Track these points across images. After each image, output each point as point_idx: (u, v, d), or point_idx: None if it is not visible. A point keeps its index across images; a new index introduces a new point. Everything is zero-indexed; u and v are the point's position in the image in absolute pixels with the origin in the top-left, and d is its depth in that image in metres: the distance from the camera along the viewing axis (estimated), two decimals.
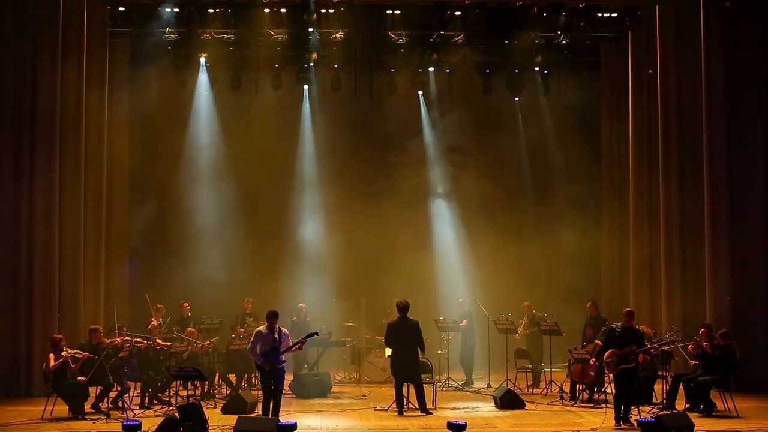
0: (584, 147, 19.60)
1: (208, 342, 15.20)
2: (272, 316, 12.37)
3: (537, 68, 18.81)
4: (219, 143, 19.52)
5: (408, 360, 13.50)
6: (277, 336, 12.23)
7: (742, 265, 15.39)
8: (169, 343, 14.34)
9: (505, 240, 20.03)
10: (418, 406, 13.34)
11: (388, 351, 14.65)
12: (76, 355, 12.96)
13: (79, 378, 12.94)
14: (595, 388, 14.22)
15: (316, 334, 13.53)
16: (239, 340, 15.07)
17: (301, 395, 14.75)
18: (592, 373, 14.05)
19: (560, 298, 17.72)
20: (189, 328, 15.25)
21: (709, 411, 13.02)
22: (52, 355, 12.89)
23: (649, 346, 12.91)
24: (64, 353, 12.86)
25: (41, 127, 15.18)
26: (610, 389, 13.46)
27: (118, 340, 13.66)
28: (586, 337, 15.14)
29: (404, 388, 13.50)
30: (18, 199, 15.07)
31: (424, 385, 13.54)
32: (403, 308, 13.67)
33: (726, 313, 15.20)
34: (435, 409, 13.56)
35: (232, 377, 15.12)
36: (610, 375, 12.75)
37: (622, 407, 12.25)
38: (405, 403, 13.44)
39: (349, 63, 19.06)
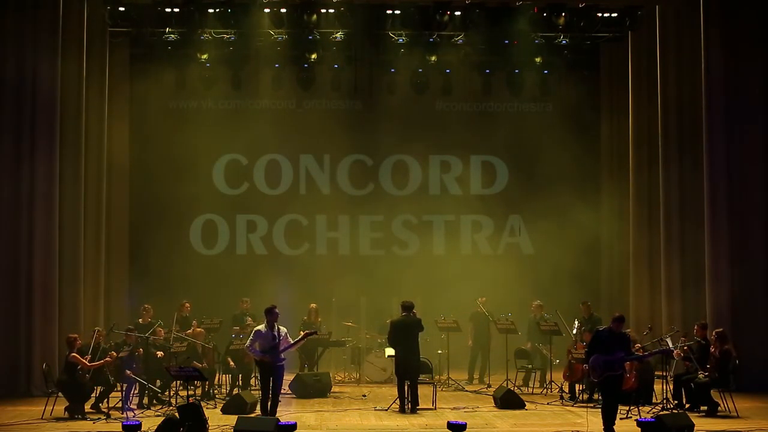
0: (584, 147, 19.59)
1: (210, 344, 15.19)
2: (271, 312, 12.18)
3: (537, 68, 18.78)
4: (218, 143, 19.53)
5: (412, 360, 13.54)
6: (276, 333, 12.11)
7: (742, 259, 15.37)
8: (163, 332, 14.46)
9: (505, 239, 20.05)
10: (411, 403, 13.41)
11: (389, 351, 14.63)
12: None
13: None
14: (595, 388, 14.19)
15: (315, 333, 13.56)
16: (239, 339, 15.04)
17: (301, 395, 14.73)
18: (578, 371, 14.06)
19: (560, 296, 17.67)
20: (198, 329, 15.20)
21: (713, 411, 12.97)
22: (75, 355, 12.83)
23: (640, 354, 12.88)
24: (107, 358, 12.97)
25: (41, 128, 15.13)
26: None
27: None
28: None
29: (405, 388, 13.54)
30: (18, 200, 15.03)
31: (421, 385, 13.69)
32: (407, 307, 13.66)
33: (725, 310, 15.19)
34: (435, 409, 13.56)
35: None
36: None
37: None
38: (406, 403, 13.46)
39: (349, 63, 19.06)
